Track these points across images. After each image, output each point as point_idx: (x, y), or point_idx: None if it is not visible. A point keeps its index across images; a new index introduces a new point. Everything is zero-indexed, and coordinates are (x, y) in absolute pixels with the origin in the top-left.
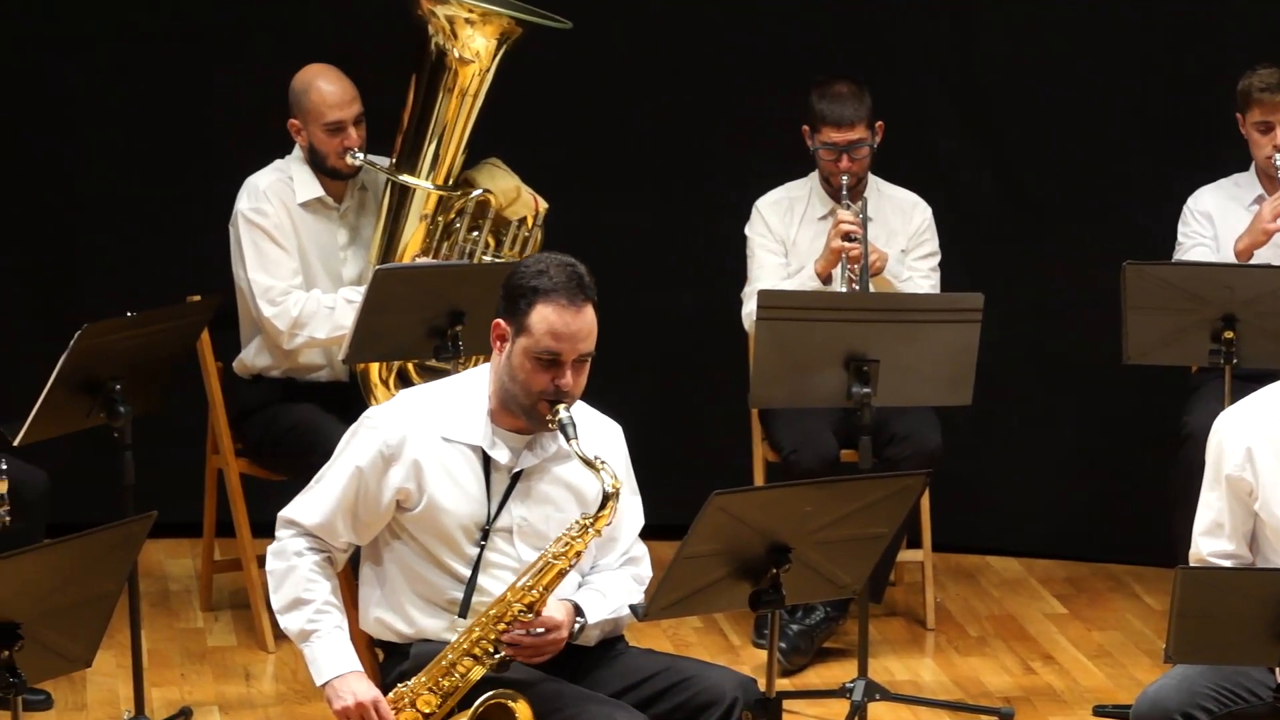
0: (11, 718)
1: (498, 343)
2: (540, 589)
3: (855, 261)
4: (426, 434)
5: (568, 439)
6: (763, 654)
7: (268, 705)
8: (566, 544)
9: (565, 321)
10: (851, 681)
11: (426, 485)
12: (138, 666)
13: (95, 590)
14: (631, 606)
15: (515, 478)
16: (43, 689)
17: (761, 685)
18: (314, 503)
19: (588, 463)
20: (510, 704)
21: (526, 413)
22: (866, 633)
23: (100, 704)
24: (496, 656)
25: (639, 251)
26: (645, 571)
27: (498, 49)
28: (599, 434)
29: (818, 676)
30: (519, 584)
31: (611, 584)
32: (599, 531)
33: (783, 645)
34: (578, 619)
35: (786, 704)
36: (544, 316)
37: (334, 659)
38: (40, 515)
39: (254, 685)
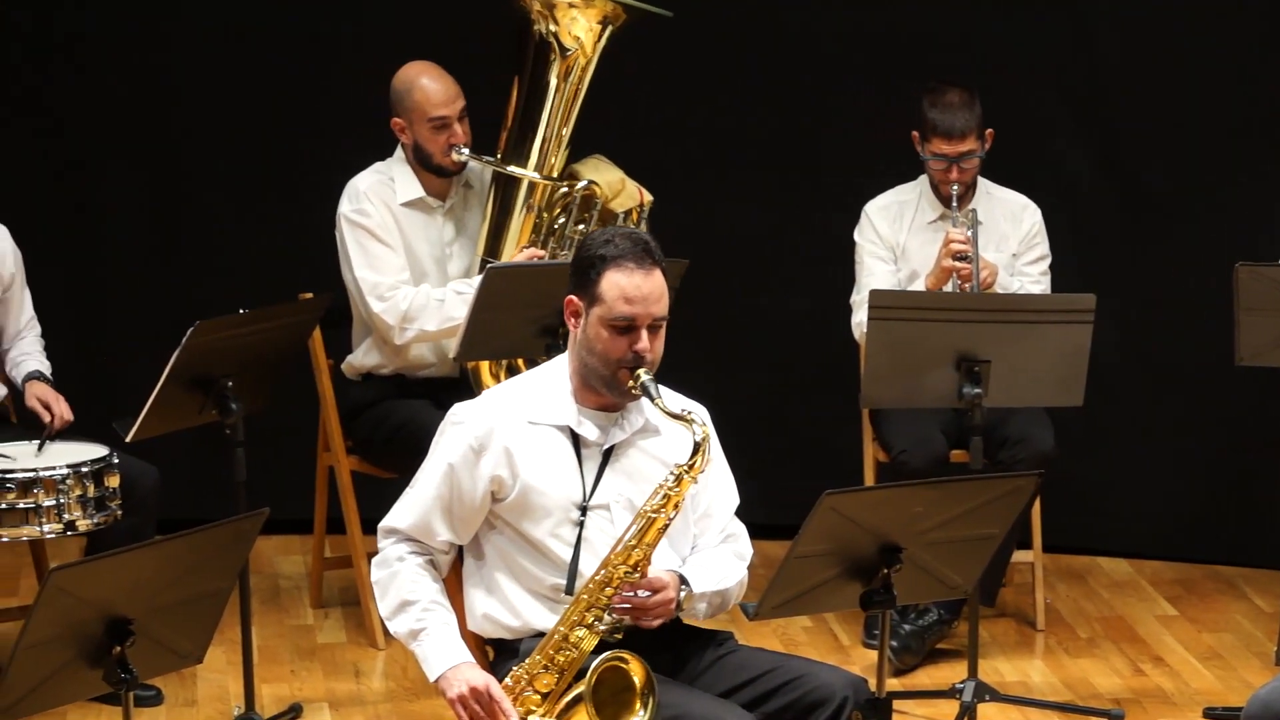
0: (123, 713)
1: (572, 319)
2: (644, 547)
3: (966, 280)
4: (513, 421)
5: (651, 398)
6: (872, 654)
7: (377, 702)
8: (664, 496)
9: (636, 284)
10: (961, 682)
11: (519, 470)
12: (248, 663)
13: (207, 587)
14: (742, 606)
15: (607, 454)
16: (153, 685)
17: (872, 685)
18: (410, 507)
19: (675, 416)
20: (624, 665)
21: (607, 383)
22: (977, 633)
23: (210, 700)
24: (608, 623)
25: (750, 252)
26: (745, 548)
27: (600, 33)
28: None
29: (928, 677)
30: (621, 546)
31: (714, 558)
32: (694, 479)
33: (893, 644)
34: (683, 587)
35: (896, 704)
36: (614, 282)
37: (444, 652)
38: (151, 511)
39: (364, 682)
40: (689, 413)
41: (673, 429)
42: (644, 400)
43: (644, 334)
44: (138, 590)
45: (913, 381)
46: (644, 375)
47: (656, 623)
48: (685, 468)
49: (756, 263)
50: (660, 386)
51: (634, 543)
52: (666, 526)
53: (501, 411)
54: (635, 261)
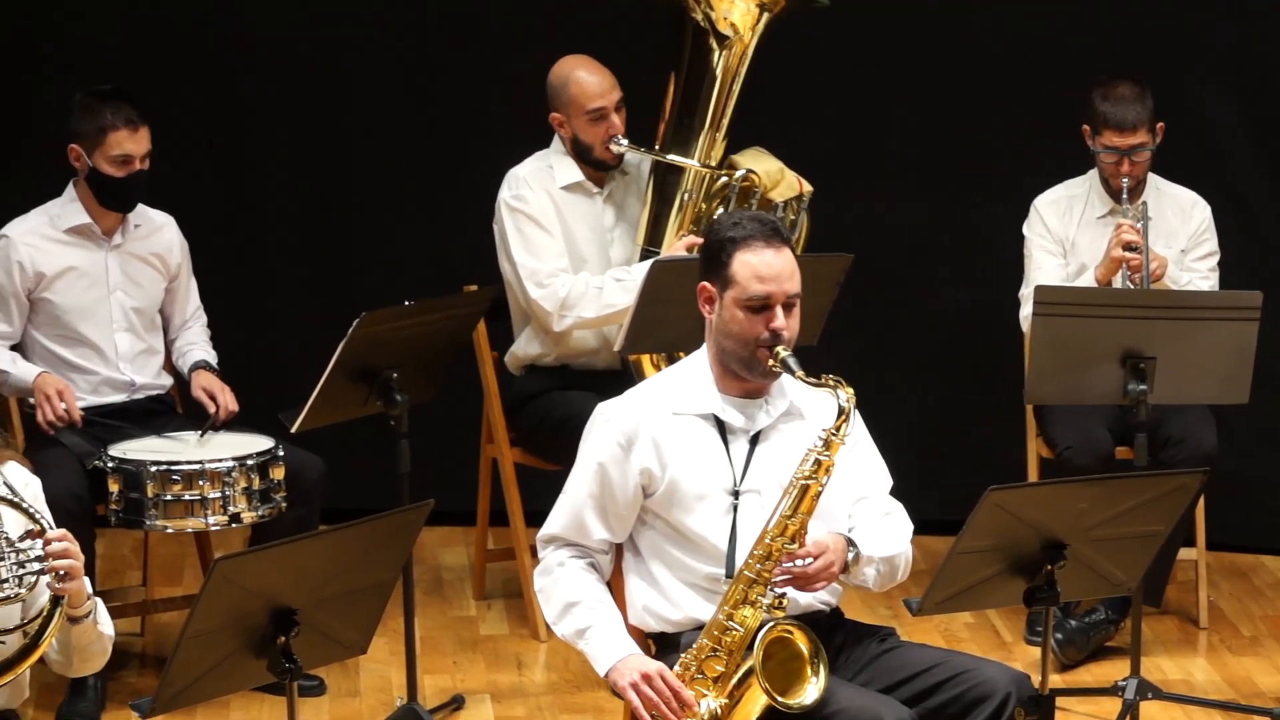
0: (287, 702)
1: (706, 306)
2: (799, 516)
3: (1136, 271)
4: (657, 413)
5: (793, 372)
6: (1034, 650)
7: (539, 694)
8: (815, 462)
9: (767, 262)
10: (1124, 680)
11: (667, 461)
12: (411, 654)
13: (371, 578)
14: (905, 601)
15: (754, 439)
16: (316, 675)
17: (1035, 682)
18: (564, 511)
19: (818, 384)
20: (789, 635)
21: (747, 365)
22: (1140, 631)
23: (373, 691)
24: (771, 597)
25: (914, 245)
26: (906, 523)
27: (757, 19)
28: (826, 401)
29: (1090, 674)
30: (774, 520)
31: (878, 528)
32: (843, 441)
33: (1058, 638)
34: (850, 549)
35: (1059, 701)
36: (746, 262)
37: (611, 647)
38: (316, 502)
39: (526, 674)
40: (831, 378)
41: (816, 413)
42: (786, 383)
43: (779, 312)
44: (302, 581)
45: (1078, 378)
46: (783, 352)
47: (821, 586)
48: (833, 430)
49: (921, 256)
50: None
51: (789, 513)
52: (819, 494)
53: (645, 405)
54: (764, 240)
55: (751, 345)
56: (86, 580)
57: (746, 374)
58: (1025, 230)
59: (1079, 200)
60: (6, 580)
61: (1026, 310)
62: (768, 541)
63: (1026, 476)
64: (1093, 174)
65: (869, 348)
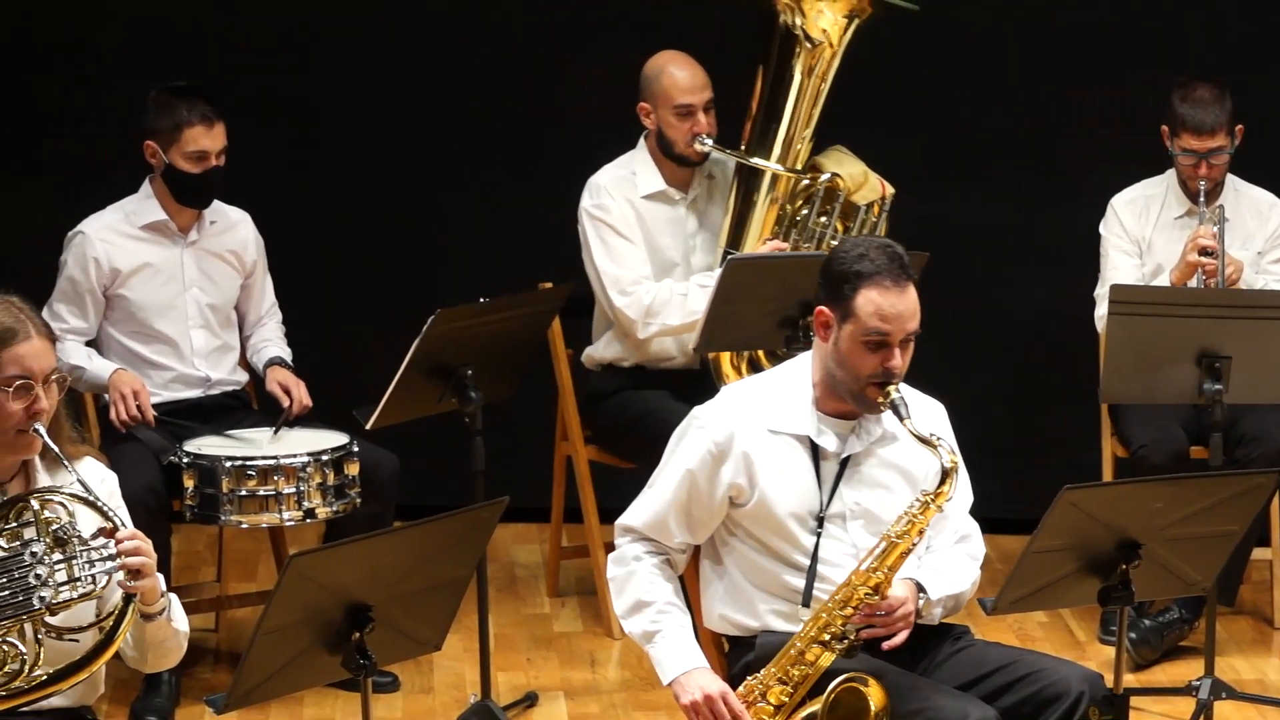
0: (361, 699)
1: (821, 330)
2: (885, 570)
3: (1211, 276)
4: (753, 428)
5: (901, 418)
6: (1108, 650)
7: (612, 692)
8: (909, 522)
9: (891, 303)
10: (1198, 680)
11: (757, 479)
12: (484, 651)
13: (446, 575)
14: (980, 600)
15: (844, 463)
16: (390, 671)
17: (1108, 681)
18: (647, 506)
19: (924, 440)
20: (863, 688)
21: (855, 397)
22: (1214, 631)
23: (447, 687)
24: (845, 642)
25: (989, 245)
26: (979, 549)
27: (846, 27)
28: (925, 413)
29: (1164, 674)
30: (863, 567)
31: (948, 561)
32: (940, 507)
33: (1132, 637)
34: (920, 595)
35: (1133, 700)
36: (870, 299)
37: (678, 656)
38: (390, 498)
39: (599, 672)
40: (937, 438)
41: (910, 437)
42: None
43: (896, 351)
44: (377, 577)
45: (1153, 377)
46: (894, 393)
47: (898, 640)
48: (931, 496)
49: (997, 256)
50: (902, 386)
51: (875, 565)
52: (909, 552)
53: (742, 416)
54: (891, 279)
55: (863, 381)
56: (160, 577)
57: (853, 404)
58: (1102, 230)
59: (1156, 200)
60: (79, 578)
61: (1102, 310)
62: (850, 589)
63: (1101, 476)
64: (1170, 174)
65: (945, 347)
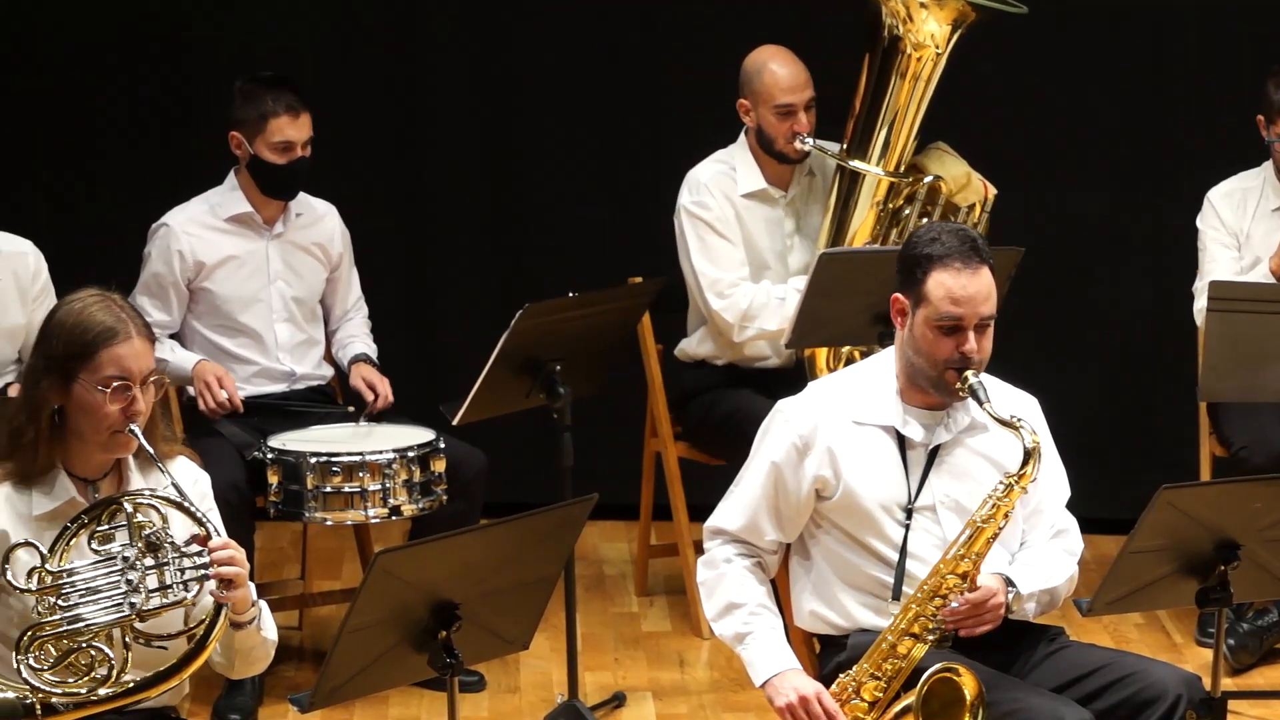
0: (448, 698)
1: (898, 318)
2: (972, 556)
3: None
4: (837, 420)
5: (980, 402)
6: (1205, 652)
7: (701, 692)
8: (994, 506)
9: (963, 285)
10: None
11: (843, 471)
12: (572, 650)
13: (534, 573)
14: (1076, 601)
15: (932, 454)
16: (476, 670)
17: (1206, 684)
18: (735, 506)
19: (1004, 423)
20: (956, 678)
21: (934, 384)
22: None
23: (533, 687)
24: (937, 633)
25: (1088, 242)
26: (1075, 543)
27: (952, 33)
28: (1018, 407)
29: (1263, 677)
30: (949, 555)
31: (1042, 556)
32: (1025, 489)
33: (1229, 643)
34: (1010, 589)
35: (1231, 704)
36: (941, 282)
37: (770, 658)
38: (477, 495)
39: (688, 672)
40: (1018, 419)
41: (1000, 426)
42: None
43: (971, 335)
44: (464, 575)
45: (1253, 375)
46: (972, 377)
47: (985, 630)
48: (1015, 477)
49: (1094, 252)
50: (990, 379)
51: (962, 552)
52: (995, 536)
53: (826, 409)
54: (962, 261)
55: (940, 366)
56: (252, 586)
57: (933, 392)
58: (1199, 223)
59: (1253, 193)
60: (170, 586)
61: (1201, 304)
62: (938, 578)
63: (1200, 475)
64: (1268, 166)
65: (1041, 343)
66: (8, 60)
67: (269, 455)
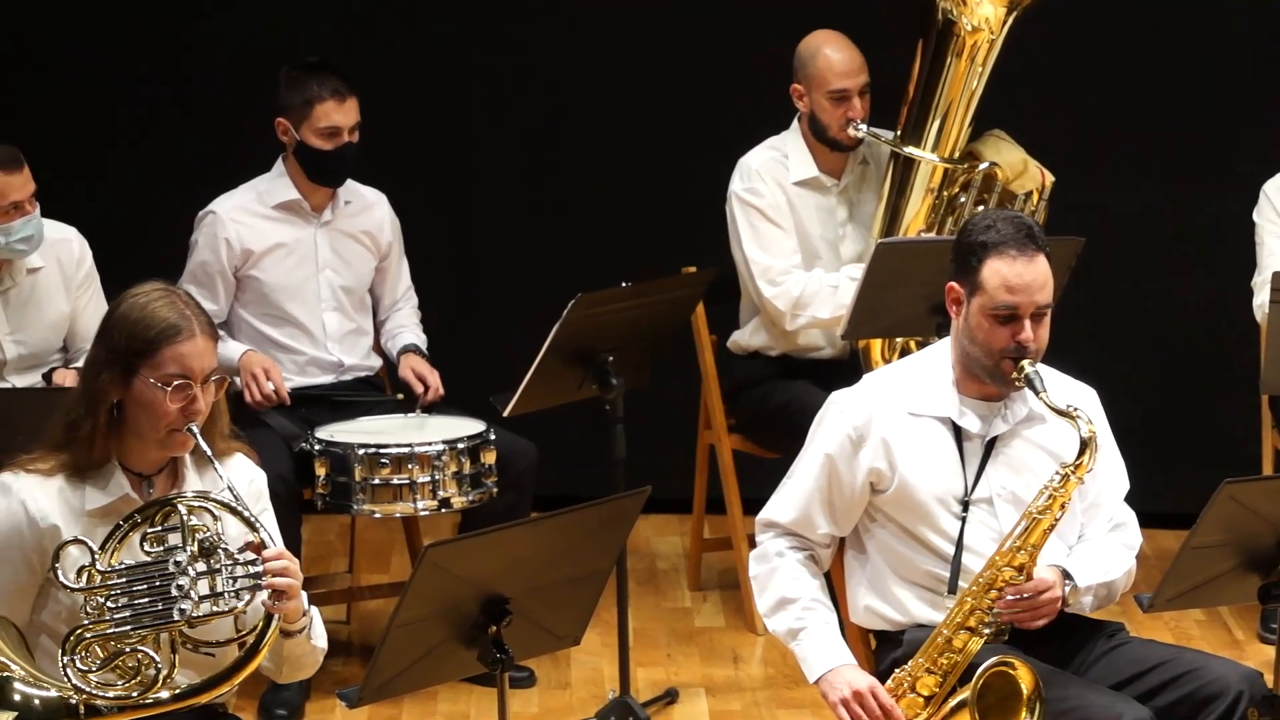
0: (498, 694)
1: (953, 307)
2: (1029, 548)
3: None
4: (892, 411)
5: (1036, 392)
6: (1268, 649)
7: (755, 689)
8: (1050, 497)
9: (1018, 273)
10: None
11: (898, 463)
12: (623, 646)
13: (586, 567)
14: (1136, 597)
15: (989, 446)
16: (526, 666)
17: (1268, 681)
18: (788, 499)
19: (1060, 412)
20: (1012, 671)
21: (990, 374)
22: None
23: (584, 683)
24: (993, 626)
25: (1148, 234)
26: (1134, 537)
27: (1006, 16)
28: (1073, 396)
29: None
30: (1005, 547)
31: (1100, 549)
32: (1081, 479)
33: None
34: (1067, 581)
35: None
36: (995, 270)
37: (824, 653)
38: (528, 488)
39: (742, 668)
40: (1074, 409)
41: (1058, 418)
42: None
43: (1027, 324)
44: (515, 569)
45: None
46: (1028, 366)
47: (1040, 623)
48: (1071, 467)
49: (1153, 243)
50: (1047, 370)
51: (1019, 544)
52: (1052, 527)
53: (881, 400)
54: (1017, 248)
55: (996, 355)
56: (304, 595)
57: (989, 382)
58: (1255, 217)
59: None
60: (222, 594)
61: (1261, 298)
62: (994, 570)
63: (1262, 469)
64: None
65: (1100, 336)
66: (48, 43)
67: (317, 447)
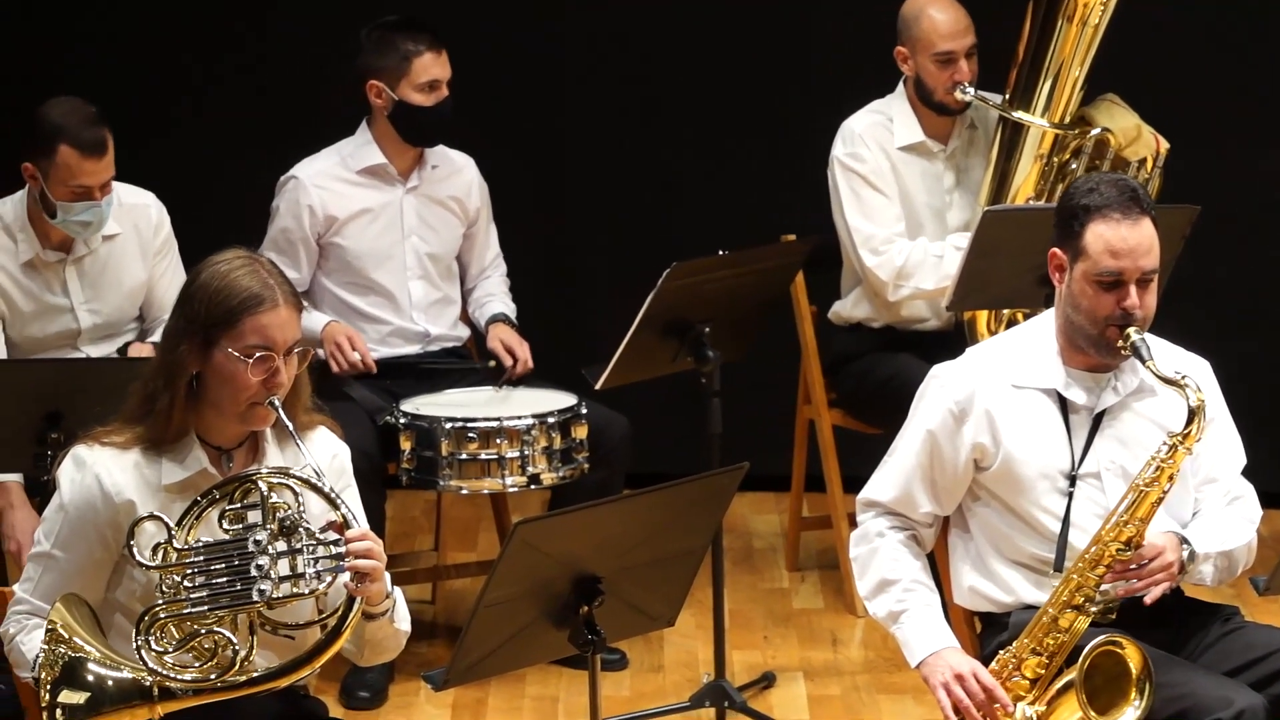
0: (589, 676)
1: (1056, 274)
2: (1136, 522)
3: None
4: (996, 384)
5: (1142, 360)
6: None
7: (855, 673)
8: (1157, 468)
9: (1122, 237)
10: None
11: (1002, 438)
12: (719, 628)
13: (680, 546)
14: (1251, 580)
15: (1097, 419)
16: (618, 648)
17: None
18: (889, 477)
19: (1167, 380)
20: (1119, 650)
21: (1095, 343)
22: None
23: (678, 666)
24: (1100, 604)
25: (1265, 202)
26: (1253, 510)
27: None
28: (1185, 367)
29: None
30: (1112, 521)
31: (1218, 519)
32: (1189, 449)
33: None
34: (1184, 546)
35: None
36: (1099, 235)
37: (926, 636)
38: (620, 464)
39: (841, 651)
40: (1183, 376)
41: (1170, 390)
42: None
43: (1132, 290)
44: (607, 547)
45: None
46: (1134, 334)
47: (1157, 593)
48: (1179, 437)
49: (1271, 212)
50: (1156, 340)
51: (1126, 518)
52: (1160, 500)
53: (983, 373)
54: (1121, 212)
55: (1100, 323)
56: (388, 577)
57: (1094, 351)
58: None
59: None
60: (303, 575)
61: None
62: (1101, 546)
63: None
64: None
65: (1216, 308)
66: (129, 5)
67: (402, 420)
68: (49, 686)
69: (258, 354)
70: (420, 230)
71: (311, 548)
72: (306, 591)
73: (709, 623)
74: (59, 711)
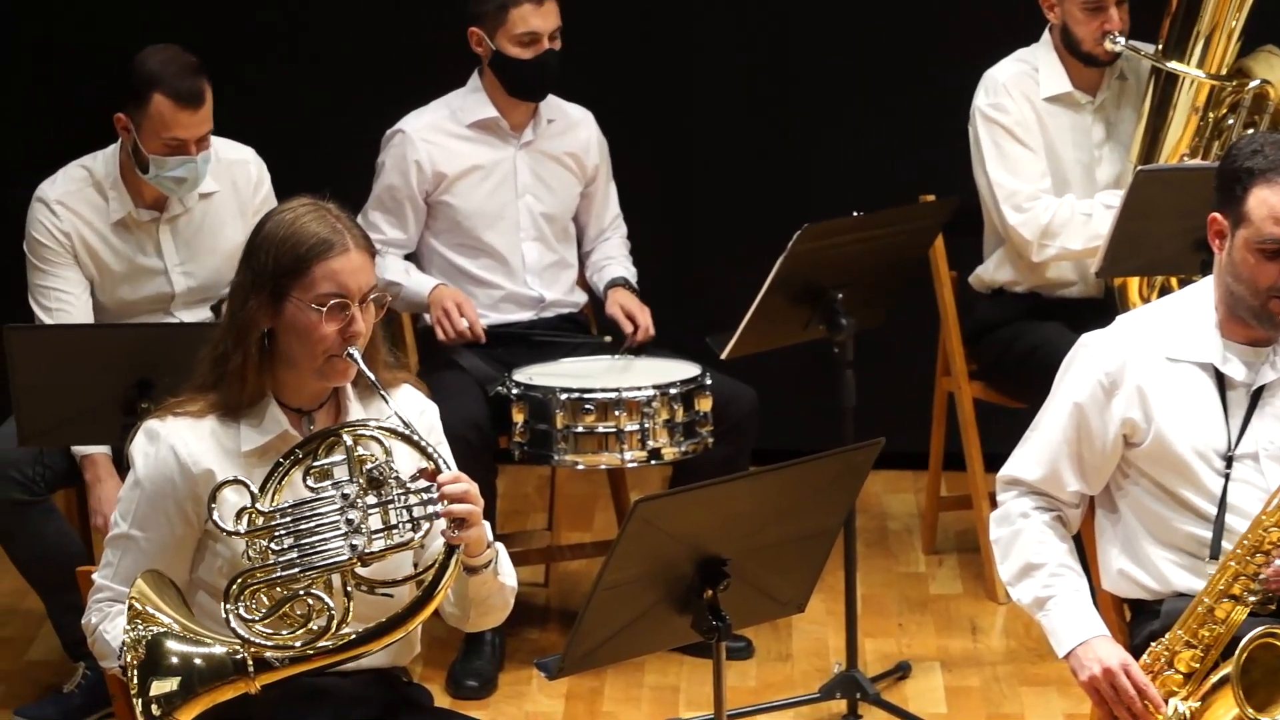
0: (713, 665)
1: (1216, 240)
2: None
3: None
4: (1148, 356)
5: None
6: None
7: (996, 663)
8: None
9: None
10: None
11: (1154, 413)
12: (851, 614)
13: (811, 526)
14: None
15: (1256, 395)
16: (743, 635)
17: None
18: (1033, 453)
19: None
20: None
21: (1256, 315)
22: None
23: (807, 655)
24: (1260, 594)
25: None
26: None
27: None
28: None
29: None
30: (1272, 505)
31: None
32: None
33: None
34: None
35: None
36: (1263, 200)
37: (1074, 625)
38: (747, 438)
39: (981, 640)
40: None
41: None
42: None
43: None
44: (733, 528)
45: None
46: None
47: None
48: None
49: None
50: None
51: None
52: None
53: (1136, 344)
54: None
55: (1262, 295)
56: (487, 526)
57: (1255, 324)
58: None
59: None
60: (396, 526)
61: None
62: (1261, 531)
63: None
64: None
65: None
66: None
67: (514, 390)
68: (136, 671)
69: (331, 302)
70: (535, 189)
71: (403, 497)
72: (402, 542)
73: (840, 609)
74: (154, 706)
